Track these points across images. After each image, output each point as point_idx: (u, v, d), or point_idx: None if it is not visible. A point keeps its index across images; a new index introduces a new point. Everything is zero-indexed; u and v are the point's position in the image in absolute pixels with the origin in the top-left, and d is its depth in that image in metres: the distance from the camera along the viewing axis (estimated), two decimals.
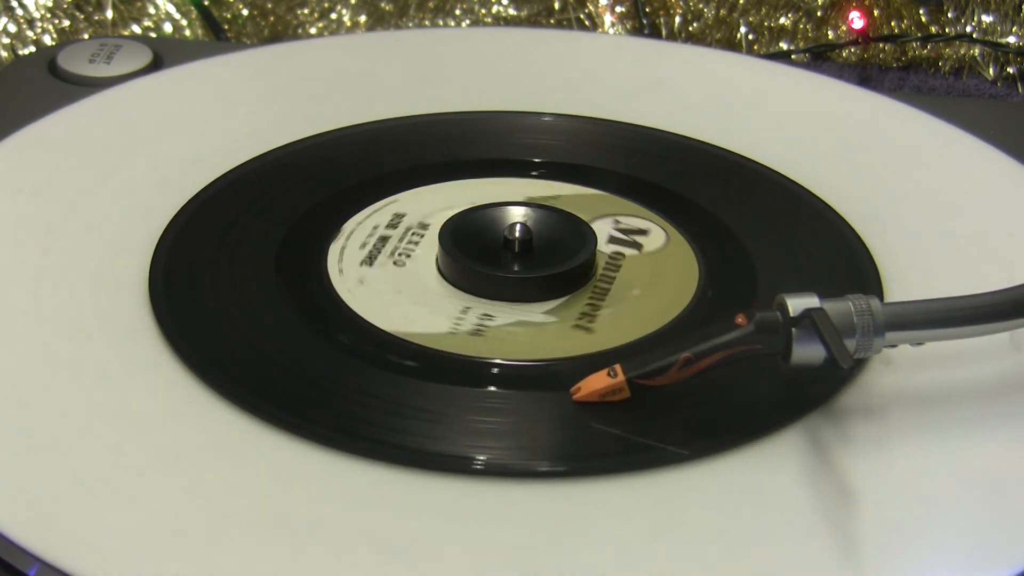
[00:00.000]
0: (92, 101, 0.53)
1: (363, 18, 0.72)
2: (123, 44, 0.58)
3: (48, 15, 0.67)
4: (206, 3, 0.70)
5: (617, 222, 0.46)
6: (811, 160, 0.50)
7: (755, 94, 0.55)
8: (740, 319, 0.36)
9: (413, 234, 0.45)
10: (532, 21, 0.72)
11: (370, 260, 0.44)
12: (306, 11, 0.72)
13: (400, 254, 0.44)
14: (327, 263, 0.44)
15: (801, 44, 0.70)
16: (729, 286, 0.43)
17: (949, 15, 0.69)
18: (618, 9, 0.71)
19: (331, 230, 0.45)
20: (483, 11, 0.72)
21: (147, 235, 0.44)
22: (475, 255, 0.43)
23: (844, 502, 0.35)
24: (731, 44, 0.71)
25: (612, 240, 0.45)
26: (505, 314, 0.41)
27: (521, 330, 0.41)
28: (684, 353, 0.36)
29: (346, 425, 0.37)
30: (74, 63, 0.56)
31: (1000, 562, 0.33)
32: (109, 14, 0.68)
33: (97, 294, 0.42)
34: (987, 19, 0.68)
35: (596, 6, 0.72)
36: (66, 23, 0.68)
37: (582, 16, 0.72)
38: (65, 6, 0.68)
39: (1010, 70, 0.68)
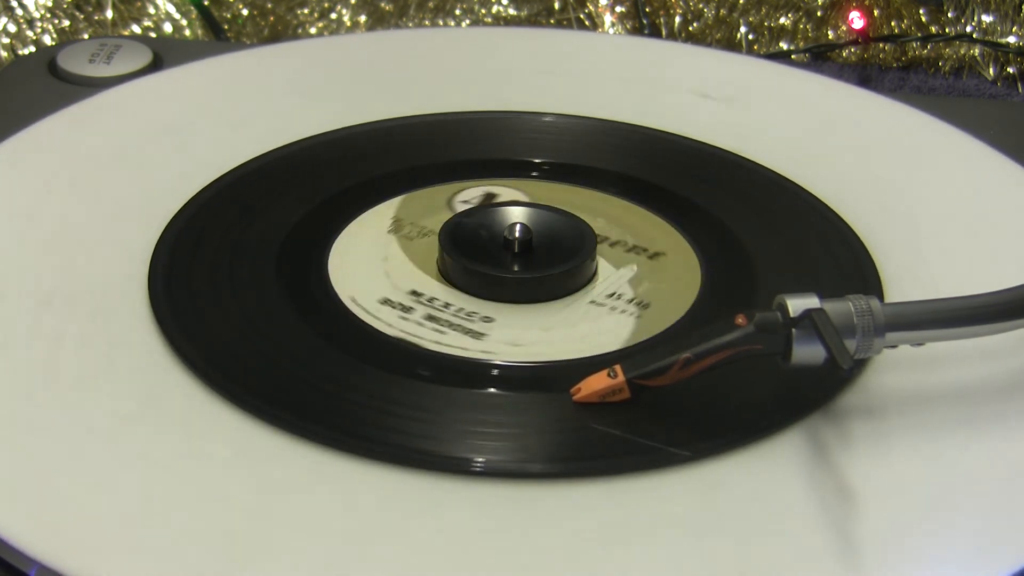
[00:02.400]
0: (92, 101, 0.53)
1: (363, 18, 0.72)
2: (123, 44, 0.58)
3: (48, 15, 0.67)
4: (206, 3, 0.70)
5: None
6: (811, 160, 0.50)
7: (755, 94, 0.55)
8: (740, 319, 0.36)
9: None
10: (532, 21, 0.72)
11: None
12: (306, 11, 0.72)
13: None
14: (328, 263, 0.44)
15: (801, 44, 0.70)
16: (729, 286, 0.43)
17: (949, 15, 0.69)
18: (618, 9, 0.71)
19: (332, 230, 0.45)
20: (483, 11, 0.72)
21: (147, 235, 0.44)
22: (476, 256, 0.43)
23: (844, 502, 0.35)
24: (731, 44, 0.71)
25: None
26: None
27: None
28: (684, 353, 0.36)
29: (346, 425, 0.37)
30: (74, 63, 0.56)
31: (1000, 562, 0.33)
32: (109, 14, 0.68)
33: (97, 294, 0.42)
34: (987, 19, 0.68)
35: (596, 6, 0.72)
36: (66, 23, 0.68)
37: (582, 16, 0.72)
38: (65, 6, 0.68)
39: (1010, 70, 0.68)
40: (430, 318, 0.41)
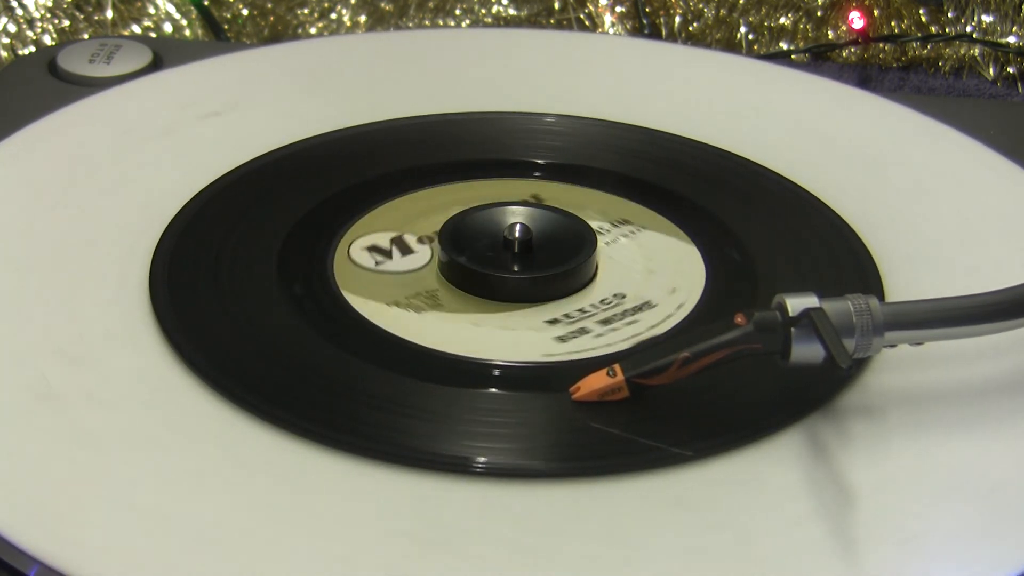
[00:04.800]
0: (92, 101, 0.53)
1: (363, 18, 0.72)
2: (123, 44, 0.58)
3: (48, 15, 0.67)
4: (206, 3, 0.70)
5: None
6: (811, 160, 0.50)
7: (755, 95, 0.55)
8: (739, 318, 0.36)
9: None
10: (532, 21, 0.72)
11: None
12: (306, 11, 0.72)
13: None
14: (328, 263, 0.44)
15: (801, 44, 0.70)
16: (729, 286, 0.43)
17: (949, 15, 0.69)
18: (618, 9, 0.71)
19: (332, 230, 0.45)
20: (483, 11, 0.72)
21: (147, 235, 0.44)
22: (478, 257, 0.43)
23: (844, 501, 0.35)
24: (731, 44, 0.71)
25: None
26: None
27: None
28: (683, 352, 0.36)
29: (346, 425, 0.37)
30: (74, 63, 0.56)
31: (1000, 562, 0.33)
32: (109, 14, 0.68)
33: (97, 294, 0.42)
34: (987, 19, 0.68)
35: (596, 6, 0.72)
36: (66, 23, 0.68)
37: (582, 16, 0.72)
38: (65, 6, 0.68)
39: (1010, 70, 0.68)
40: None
